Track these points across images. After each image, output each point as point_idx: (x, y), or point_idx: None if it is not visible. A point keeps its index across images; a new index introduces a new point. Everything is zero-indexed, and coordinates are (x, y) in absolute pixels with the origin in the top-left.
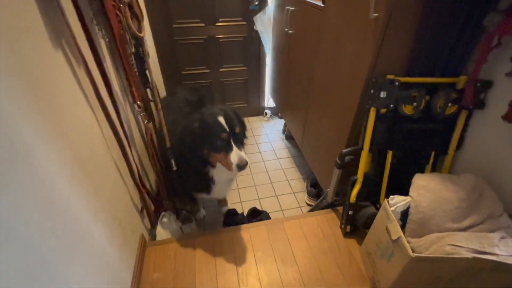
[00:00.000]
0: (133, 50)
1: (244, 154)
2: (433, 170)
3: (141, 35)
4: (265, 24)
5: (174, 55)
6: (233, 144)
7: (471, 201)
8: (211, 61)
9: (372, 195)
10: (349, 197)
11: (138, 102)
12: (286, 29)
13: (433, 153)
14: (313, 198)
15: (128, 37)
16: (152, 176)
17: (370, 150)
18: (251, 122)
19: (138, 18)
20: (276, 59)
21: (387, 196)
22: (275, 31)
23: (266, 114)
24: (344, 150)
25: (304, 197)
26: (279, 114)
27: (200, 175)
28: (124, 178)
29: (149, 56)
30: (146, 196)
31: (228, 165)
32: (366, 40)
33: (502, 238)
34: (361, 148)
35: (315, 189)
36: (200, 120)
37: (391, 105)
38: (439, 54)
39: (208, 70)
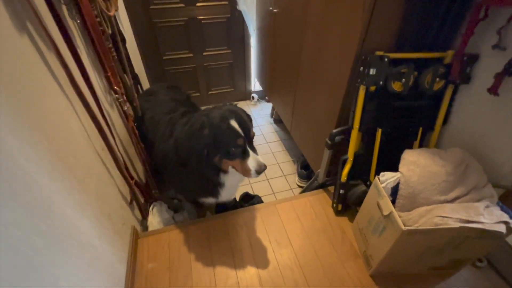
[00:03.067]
0: (110, 31)
1: (261, 158)
2: (421, 146)
3: (110, 13)
4: (249, 3)
5: (154, 39)
6: (248, 149)
7: (458, 174)
8: (194, 44)
9: (362, 173)
10: (340, 177)
11: (116, 88)
12: (271, 8)
13: (420, 129)
14: (304, 180)
15: (101, 18)
16: (139, 166)
17: (360, 129)
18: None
19: None
20: (261, 40)
21: (377, 173)
22: (259, 10)
23: (253, 98)
24: (334, 130)
25: (295, 179)
26: (267, 97)
27: (208, 181)
28: (110, 170)
29: (125, 40)
30: (135, 187)
31: (245, 172)
32: (355, 16)
33: (487, 207)
34: (351, 128)
35: (305, 171)
36: (210, 126)
37: (381, 82)
38: (427, 28)
39: (191, 55)
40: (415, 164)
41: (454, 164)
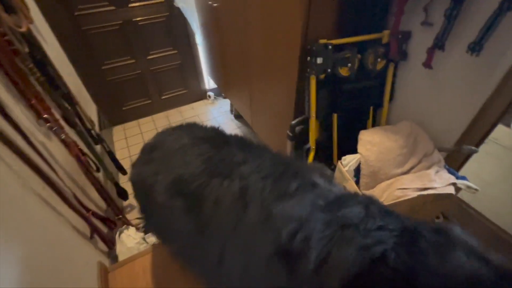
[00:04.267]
0: (26, 50)
1: None
2: (374, 123)
3: (22, 29)
4: None
5: (87, 48)
6: None
7: (409, 146)
8: (135, 49)
9: (326, 159)
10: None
11: (46, 116)
12: (210, 2)
13: (371, 108)
14: None
15: (11, 35)
16: (94, 194)
17: (316, 117)
18: (196, 108)
19: (13, 9)
20: (207, 37)
21: (340, 157)
22: (199, 6)
23: (209, 96)
24: (293, 122)
25: None
26: (223, 94)
27: None
28: (58, 209)
29: (45, 55)
30: (93, 218)
31: None
32: (294, 6)
33: (437, 172)
34: (309, 117)
35: None
36: None
37: (329, 70)
38: (362, 11)
39: (133, 60)
40: (371, 143)
41: (404, 137)
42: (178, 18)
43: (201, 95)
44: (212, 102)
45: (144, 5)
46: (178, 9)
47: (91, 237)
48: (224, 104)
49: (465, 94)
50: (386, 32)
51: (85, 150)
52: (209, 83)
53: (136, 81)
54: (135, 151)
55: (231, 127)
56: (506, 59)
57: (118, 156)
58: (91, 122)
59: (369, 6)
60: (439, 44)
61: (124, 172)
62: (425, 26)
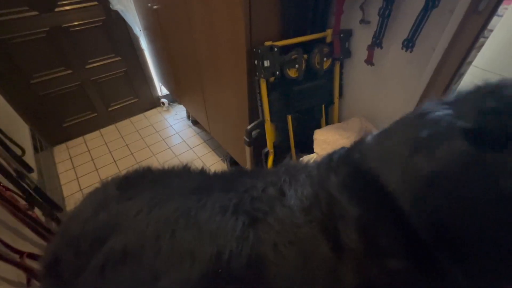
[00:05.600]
0: None
1: None
2: (327, 121)
3: None
4: (124, 1)
5: (9, 61)
6: None
7: None
8: (70, 58)
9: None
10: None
11: None
12: (150, 4)
13: (323, 106)
14: None
15: None
16: (31, 234)
17: (271, 120)
18: (149, 117)
19: None
20: (152, 41)
21: (298, 158)
22: (139, 8)
23: (163, 104)
24: (248, 127)
25: None
26: (177, 100)
27: None
28: None
29: None
30: (28, 262)
31: None
32: (235, 8)
33: None
34: (263, 120)
35: (237, 166)
36: None
37: (277, 72)
38: (304, 11)
39: (69, 71)
40: (326, 142)
41: (356, 132)
42: (117, 22)
43: (154, 103)
44: (167, 109)
45: (74, 9)
46: (117, 12)
47: (28, 284)
48: (180, 111)
49: (404, 88)
50: (329, 31)
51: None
52: (161, 89)
53: (76, 94)
54: (84, 171)
55: (189, 133)
56: (436, 53)
57: (63, 179)
58: (20, 148)
59: (311, 6)
60: (376, 41)
61: (59, 209)
62: (364, 25)
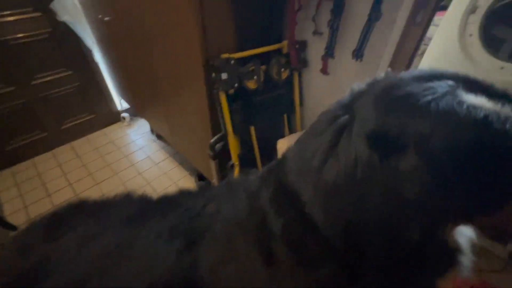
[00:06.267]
0: None
1: None
2: (290, 129)
3: None
4: (72, 12)
5: None
6: None
7: None
8: (12, 74)
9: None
10: None
11: None
12: (100, 16)
13: (285, 115)
14: None
15: None
16: None
17: (234, 132)
18: (109, 134)
19: None
20: (106, 54)
21: (263, 165)
22: (89, 20)
23: (124, 118)
24: (211, 141)
25: None
26: (138, 114)
27: None
28: None
29: None
30: None
31: None
32: (188, 21)
33: None
34: (226, 133)
35: (204, 181)
36: (420, 146)
37: (236, 84)
38: (259, 23)
39: (12, 88)
40: None
41: None
42: (66, 34)
43: (114, 118)
44: (129, 124)
45: (15, 20)
46: (65, 24)
47: None
48: (143, 125)
49: None
50: (285, 43)
51: None
52: (121, 103)
53: (22, 112)
54: (33, 198)
55: (153, 148)
56: (383, 61)
57: (8, 209)
58: None
59: (265, 18)
60: (329, 52)
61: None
62: (317, 36)
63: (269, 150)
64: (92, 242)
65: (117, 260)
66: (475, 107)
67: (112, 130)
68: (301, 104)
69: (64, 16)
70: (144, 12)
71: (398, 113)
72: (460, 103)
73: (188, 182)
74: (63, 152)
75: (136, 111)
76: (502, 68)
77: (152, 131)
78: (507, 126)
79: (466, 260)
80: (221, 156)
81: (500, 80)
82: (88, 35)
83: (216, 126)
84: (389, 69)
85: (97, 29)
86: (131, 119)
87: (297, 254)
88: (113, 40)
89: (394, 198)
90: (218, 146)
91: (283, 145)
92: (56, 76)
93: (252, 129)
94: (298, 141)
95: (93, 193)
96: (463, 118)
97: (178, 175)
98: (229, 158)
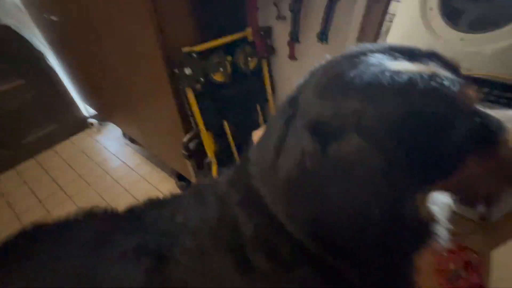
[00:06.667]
0: None
1: None
2: (265, 119)
3: None
4: (14, 13)
5: None
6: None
7: None
8: None
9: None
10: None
11: None
12: (45, 16)
13: (258, 105)
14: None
15: None
16: None
17: (207, 128)
18: (78, 143)
19: None
20: (61, 56)
21: None
22: (36, 21)
23: (92, 125)
24: (185, 140)
25: None
26: (106, 119)
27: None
28: None
29: None
30: None
31: None
32: (141, 14)
33: None
34: (199, 131)
35: (184, 181)
36: (367, 126)
37: (202, 79)
38: (219, 11)
39: None
40: None
41: None
42: (11, 38)
43: (81, 125)
44: (98, 131)
45: None
46: (8, 27)
47: None
48: (114, 129)
49: None
50: (249, 30)
51: None
52: (87, 109)
53: None
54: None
55: (128, 153)
56: (348, 42)
57: None
58: None
59: (225, 4)
60: (294, 37)
61: None
62: (281, 21)
63: (245, 143)
64: (48, 276)
65: None
66: (398, 73)
67: (80, 139)
68: (273, 92)
69: (6, 19)
70: (92, 7)
71: (330, 96)
72: (383, 72)
73: (168, 184)
74: (29, 168)
75: (103, 116)
76: (461, 39)
77: (124, 135)
78: (433, 83)
79: (442, 229)
80: (197, 154)
81: (461, 51)
82: (37, 37)
83: (187, 124)
84: (327, 55)
85: (46, 30)
86: (99, 125)
87: (271, 258)
88: (65, 40)
89: (347, 183)
90: (192, 145)
91: (258, 137)
92: (7, 87)
93: (225, 123)
94: (258, 141)
95: (68, 208)
96: (387, 86)
97: (157, 177)
98: (206, 156)
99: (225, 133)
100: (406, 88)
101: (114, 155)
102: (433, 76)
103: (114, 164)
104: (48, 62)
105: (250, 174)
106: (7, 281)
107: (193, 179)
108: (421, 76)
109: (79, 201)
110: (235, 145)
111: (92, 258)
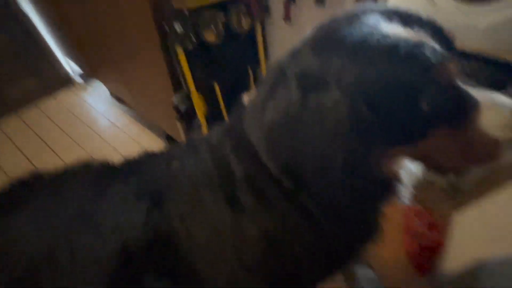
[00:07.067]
0: None
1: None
2: (255, 79)
3: None
4: None
5: None
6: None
7: None
8: None
9: None
10: None
11: None
12: None
13: (250, 68)
14: None
15: None
16: None
17: (198, 90)
18: (62, 101)
19: None
20: (38, 4)
21: None
22: None
23: (76, 81)
24: (174, 100)
25: None
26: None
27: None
28: None
29: None
30: None
31: (485, 148)
32: None
33: None
34: (189, 93)
35: (174, 142)
36: (339, 79)
37: (193, 38)
38: None
39: None
40: None
41: None
42: None
43: (64, 82)
44: (83, 88)
45: None
46: None
47: None
48: (100, 87)
49: None
50: None
51: None
52: (70, 64)
53: None
54: None
55: (117, 113)
56: (346, 6)
57: None
58: None
59: None
60: None
61: None
62: None
63: (236, 105)
64: (51, 214)
65: (83, 226)
66: (385, 36)
67: (65, 96)
68: (266, 55)
69: None
70: None
71: (320, 50)
72: (372, 33)
73: (157, 145)
74: (12, 124)
75: (87, 72)
76: (457, 9)
77: (111, 94)
78: (415, 51)
79: (404, 189)
80: (187, 116)
81: (455, 22)
82: None
83: (177, 85)
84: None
85: None
86: (84, 82)
87: (257, 198)
88: None
89: (320, 131)
90: (182, 107)
91: (249, 100)
92: None
93: (216, 85)
94: (258, 90)
95: (57, 165)
96: (371, 48)
97: (146, 138)
98: (196, 117)
99: (215, 95)
100: (388, 52)
101: (102, 114)
102: (417, 44)
103: (103, 124)
104: (23, 10)
105: (243, 120)
106: (8, 226)
107: (184, 140)
108: (406, 42)
109: (68, 160)
110: (226, 108)
111: (95, 202)
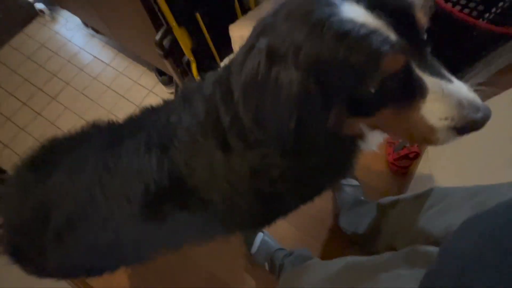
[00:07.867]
0: None
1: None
2: (242, 9)
3: None
4: None
5: None
6: (420, 72)
7: None
8: None
9: (211, 65)
10: (194, 78)
11: None
12: None
13: None
14: (170, 85)
15: None
16: None
17: (178, 24)
18: (34, 36)
19: None
20: None
21: (222, 58)
22: None
23: (42, 12)
24: (157, 38)
25: (163, 89)
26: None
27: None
28: None
29: None
30: None
31: (424, 136)
32: None
33: None
34: (170, 27)
35: (166, 76)
36: (295, 52)
37: None
38: None
39: None
40: (243, 39)
41: None
42: None
43: (29, 13)
44: (52, 19)
45: None
46: None
47: None
48: (71, 17)
49: None
50: None
51: None
52: None
53: None
54: None
55: (97, 45)
56: None
57: None
58: None
59: None
60: None
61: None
62: None
63: (223, 38)
64: (80, 172)
65: (110, 176)
66: (344, 21)
67: (34, 30)
68: None
69: None
70: None
71: (290, 24)
72: (332, 15)
73: (149, 78)
74: None
75: (56, 1)
76: None
77: (85, 24)
78: (366, 38)
79: (366, 146)
80: (174, 53)
81: None
82: None
83: (157, 19)
84: None
85: None
86: (50, 11)
87: (242, 142)
88: None
89: (277, 97)
90: (166, 43)
91: (236, 32)
92: None
93: (198, 16)
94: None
95: (54, 108)
96: (329, 31)
97: (136, 72)
98: (183, 54)
99: (200, 28)
100: (340, 37)
101: (82, 49)
102: (372, 32)
103: (86, 60)
104: None
105: (230, 73)
106: (51, 183)
107: (175, 77)
108: (359, 29)
109: (63, 101)
110: (212, 41)
111: (112, 155)
